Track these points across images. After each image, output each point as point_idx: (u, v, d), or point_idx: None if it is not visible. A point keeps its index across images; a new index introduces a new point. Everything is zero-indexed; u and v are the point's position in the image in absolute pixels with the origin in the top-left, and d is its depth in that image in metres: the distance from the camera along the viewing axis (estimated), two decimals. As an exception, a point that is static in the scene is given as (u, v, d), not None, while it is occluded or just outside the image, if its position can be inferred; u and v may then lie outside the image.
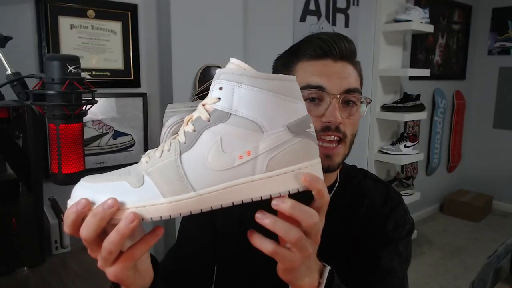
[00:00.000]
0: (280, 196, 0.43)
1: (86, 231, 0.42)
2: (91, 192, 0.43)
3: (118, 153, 1.68)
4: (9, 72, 0.99)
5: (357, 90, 0.71)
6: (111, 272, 0.45)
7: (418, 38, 3.29)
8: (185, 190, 0.42)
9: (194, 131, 0.43)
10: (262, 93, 0.43)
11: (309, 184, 0.44)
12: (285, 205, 0.43)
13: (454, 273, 2.77)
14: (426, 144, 3.63)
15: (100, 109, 1.60)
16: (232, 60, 0.44)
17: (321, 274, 0.52)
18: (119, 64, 1.66)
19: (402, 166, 3.20)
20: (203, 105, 0.44)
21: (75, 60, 0.89)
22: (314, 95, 0.68)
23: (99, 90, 1.54)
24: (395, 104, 2.85)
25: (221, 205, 0.43)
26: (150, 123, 1.76)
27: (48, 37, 1.46)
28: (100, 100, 1.59)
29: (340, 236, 0.76)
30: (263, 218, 0.43)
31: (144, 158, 0.45)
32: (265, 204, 0.44)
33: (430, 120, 3.61)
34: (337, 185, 0.80)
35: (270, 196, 0.43)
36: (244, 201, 0.43)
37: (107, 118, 1.63)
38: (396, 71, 2.90)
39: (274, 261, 0.47)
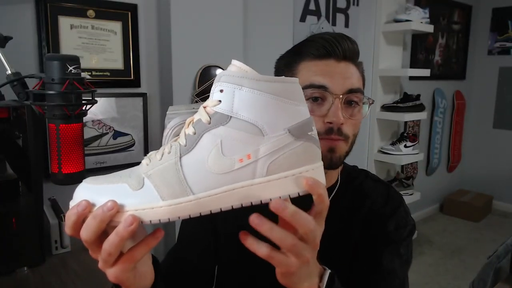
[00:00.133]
0: (280, 199, 0.43)
1: (86, 232, 0.42)
2: (92, 193, 0.43)
3: (118, 153, 1.68)
4: (9, 72, 0.99)
5: (359, 90, 0.71)
6: (111, 273, 0.45)
7: (418, 38, 3.29)
8: (184, 193, 0.42)
9: (195, 133, 0.43)
10: (263, 96, 0.42)
11: (310, 188, 0.43)
12: (287, 212, 0.42)
13: (454, 273, 2.77)
14: (426, 144, 3.63)
15: (100, 109, 1.60)
16: (234, 62, 0.44)
17: (321, 278, 0.52)
18: (119, 64, 1.65)
19: (402, 166, 3.20)
20: (204, 107, 0.44)
21: (75, 60, 0.89)
22: (317, 95, 0.68)
23: (99, 90, 1.54)
24: (395, 104, 2.85)
25: (221, 209, 0.42)
26: (150, 123, 1.76)
27: (48, 37, 1.46)
28: (100, 100, 1.59)
29: (341, 237, 0.76)
30: (259, 224, 0.43)
31: (145, 160, 0.45)
32: (265, 208, 0.44)
33: (430, 120, 3.61)
34: (338, 185, 0.80)
35: (270, 200, 0.42)
36: (243, 205, 0.43)
37: (107, 118, 1.63)
38: (396, 71, 2.90)
39: None
